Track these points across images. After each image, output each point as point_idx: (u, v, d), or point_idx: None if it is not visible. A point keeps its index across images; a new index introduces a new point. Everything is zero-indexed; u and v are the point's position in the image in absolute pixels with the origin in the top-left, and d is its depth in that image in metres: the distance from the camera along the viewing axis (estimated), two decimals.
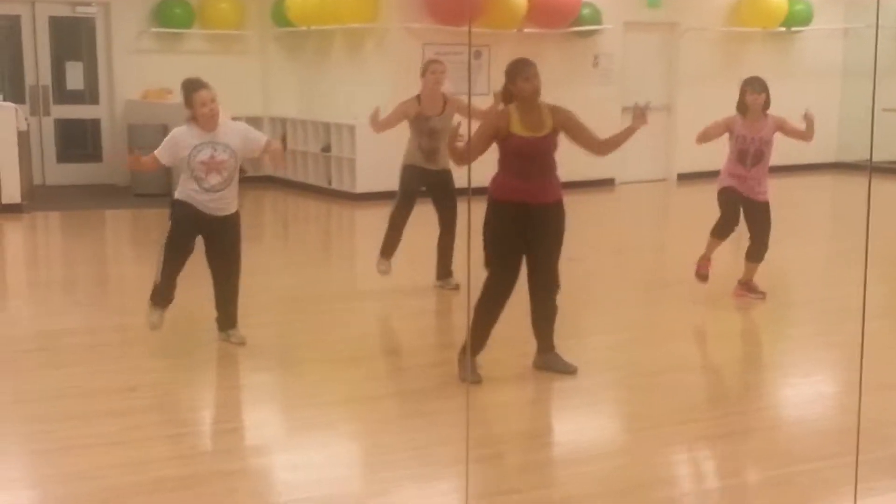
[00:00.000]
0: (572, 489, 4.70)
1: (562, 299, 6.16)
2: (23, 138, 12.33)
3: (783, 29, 15.82)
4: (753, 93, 7.70)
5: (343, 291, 8.60)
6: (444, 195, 8.18)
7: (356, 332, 7.29)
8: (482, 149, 5.79)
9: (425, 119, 8.03)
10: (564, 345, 6.42)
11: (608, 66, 14.76)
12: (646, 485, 4.71)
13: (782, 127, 7.86)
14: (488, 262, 5.86)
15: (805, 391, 6.13)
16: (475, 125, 6.07)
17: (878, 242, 8.89)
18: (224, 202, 6.51)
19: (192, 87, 6.40)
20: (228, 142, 6.44)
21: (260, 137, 6.69)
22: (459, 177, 8.22)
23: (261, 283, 6.96)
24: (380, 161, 13.05)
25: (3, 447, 5.15)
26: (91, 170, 14.70)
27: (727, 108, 8.01)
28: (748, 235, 7.97)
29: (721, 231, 7.93)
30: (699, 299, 7.97)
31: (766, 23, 15.59)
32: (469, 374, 5.86)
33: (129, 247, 11.46)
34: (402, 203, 8.21)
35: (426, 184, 8.18)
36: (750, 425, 5.50)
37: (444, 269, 8.27)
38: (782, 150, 8.37)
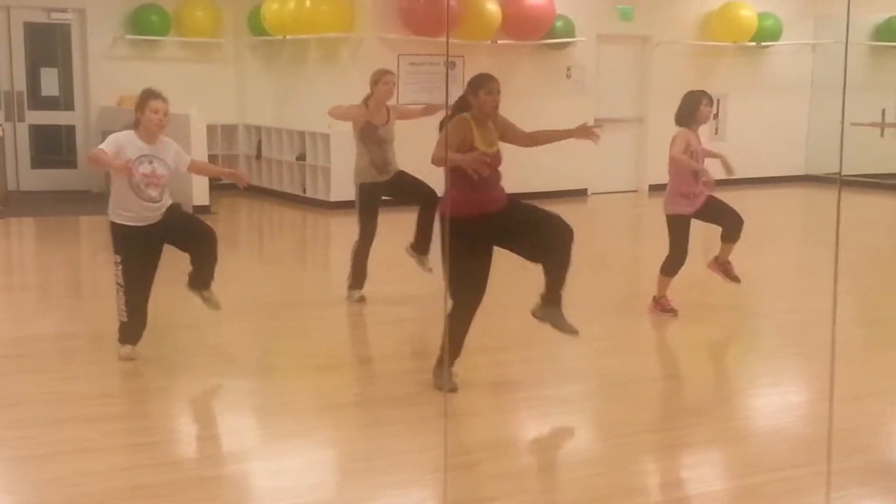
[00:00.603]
0: (548, 497, 4.77)
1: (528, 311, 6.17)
2: None
3: (753, 43, 15.99)
4: (707, 104, 7.63)
5: (318, 298, 8.64)
6: (408, 185, 8.16)
7: (332, 339, 7.34)
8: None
9: (374, 128, 8.04)
10: (537, 353, 6.48)
11: (581, 78, 14.88)
12: (621, 493, 4.77)
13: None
14: (452, 278, 5.68)
15: (776, 401, 6.21)
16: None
17: (846, 254, 9.02)
18: (161, 207, 6.46)
19: (149, 94, 6.39)
20: (165, 157, 6.42)
21: (187, 159, 6.65)
22: None
23: (236, 290, 6.99)
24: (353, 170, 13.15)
25: None
26: (66, 176, 14.66)
27: None
28: (719, 227, 7.89)
29: (671, 268, 7.76)
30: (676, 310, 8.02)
31: (737, 37, 15.76)
32: (445, 382, 5.91)
33: (103, 253, 11.31)
34: (364, 230, 8.16)
35: (386, 193, 8.18)
36: (722, 434, 5.56)
37: (421, 245, 8.18)
38: (753, 163, 8.47)
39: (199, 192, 12.31)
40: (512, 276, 6.15)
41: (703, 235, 8.24)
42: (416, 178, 8.18)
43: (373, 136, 8.05)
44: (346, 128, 13.08)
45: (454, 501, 4.54)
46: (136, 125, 6.38)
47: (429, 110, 8.30)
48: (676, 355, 7.48)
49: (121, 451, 5.12)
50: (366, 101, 8.12)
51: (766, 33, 15.98)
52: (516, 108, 14.01)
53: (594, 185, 15.06)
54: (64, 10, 14.45)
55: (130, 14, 14.55)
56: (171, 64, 14.79)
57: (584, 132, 6.11)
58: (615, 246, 11.80)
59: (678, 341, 7.69)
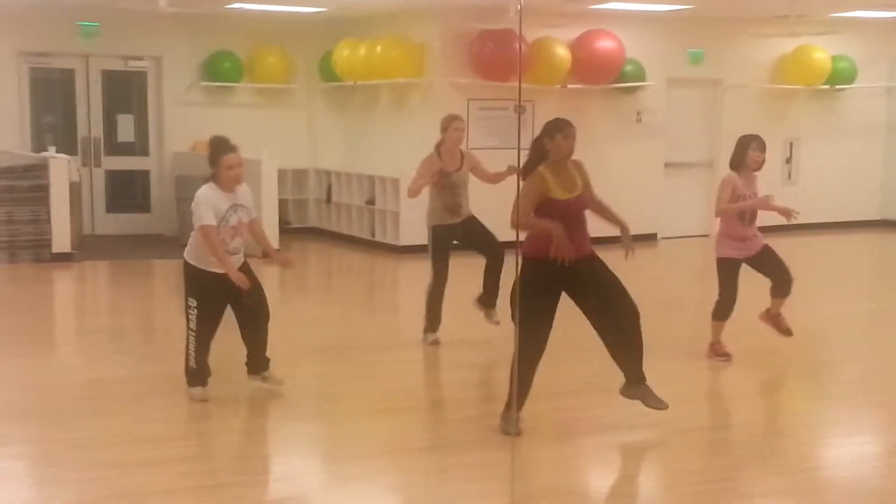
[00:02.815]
0: None
1: (598, 354, 6.18)
2: (74, 189, 12.57)
3: (827, 87, 15.82)
4: (757, 150, 7.61)
5: (386, 343, 8.67)
6: (479, 235, 8.25)
7: (398, 383, 7.34)
8: (530, 213, 5.84)
9: (447, 175, 8.11)
10: (603, 400, 6.43)
11: (651, 122, 14.84)
12: None
13: (756, 182, 7.76)
14: (521, 320, 5.66)
15: (848, 451, 6.09)
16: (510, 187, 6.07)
17: None
18: (240, 257, 6.54)
19: (220, 149, 6.42)
20: (246, 203, 6.52)
21: (253, 211, 6.68)
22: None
23: (304, 334, 7.05)
24: (423, 215, 13.17)
25: (56, 494, 5.22)
26: (139, 220, 14.96)
27: (770, 163, 8.00)
28: (769, 280, 7.82)
29: (722, 312, 7.74)
30: (740, 356, 7.93)
31: (810, 80, 15.60)
32: (512, 426, 5.89)
33: (175, 296, 11.50)
34: (437, 273, 8.23)
35: (456, 238, 8.24)
36: (795, 485, 5.46)
37: (489, 299, 8.29)
38: (827, 208, 8.35)
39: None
40: (572, 317, 6.12)
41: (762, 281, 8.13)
42: (486, 231, 8.25)
43: (446, 182, 8.11)
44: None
45: None
46: (213, 177, 6.44)
47: (503, 175, 8.21)
48: (741, 403, 7.32)
49: (191, 494, 5.16)
50: (438, 147, 8.20)
51: (841, 76, 15.79)
52: (587, 152, 13.96)
53: (664, 230, 14.96)
54: (141, 59, 14.79)
55: (204, 61, 14.86)
56: (243, 109, 15.06)
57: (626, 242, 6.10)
58: (682, 290, 11.68)
59: (744, 388, 7.55)
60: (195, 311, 6.51)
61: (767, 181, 7.89)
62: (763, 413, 7.04)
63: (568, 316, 6.04)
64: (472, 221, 8.28)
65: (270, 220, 12.49)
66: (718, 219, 7.76)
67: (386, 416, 6.56)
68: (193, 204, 6.41)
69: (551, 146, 5.93)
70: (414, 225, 13.21)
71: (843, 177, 15.97)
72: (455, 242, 8.29)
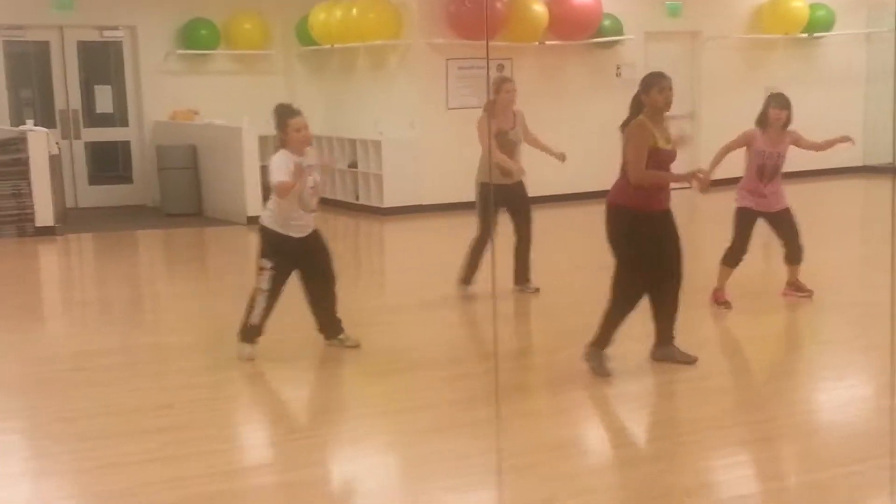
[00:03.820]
0: (608, 497, 4.74)
1: (596, 307, 6.24)
2: (54, 162, 12.51)
3: (805, 35, 15.81)
4: (776, 108, 7.72)
5: (374, 305, 8.66)
6: (519, 206, 8.42)
7: (388, 344, 7.34)
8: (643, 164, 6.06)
9: (503, 133, 8.24)
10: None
11: (631, 76, 14.76)
12: (682, 491, 4.73)
13: (797, 141, 7.89)
14: (621, 260, 6.13)
15: (839, 395, 6.13)
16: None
17: None
18: (312, 222, 6.76)
19: (286, 113, 6.57)
20: (314, 164, 6.66)
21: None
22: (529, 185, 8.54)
23: (293, 300, 7.04)
24: (407, 176, 13.21)
25: (46, 465, 5.22)
26: (122, 191, 14.90)
27: (750, 114, 8.04)
28: (780, 243, 8.00)
29: (732, 258, 7.91)
30: (736, 303, 7.97)
31: (788, 29, 15.59)
32: (599, 366, 6.14)
33: (161, 266, 11.58)
34: (482, 229, 8.33)
35: (502, 197, 8.32)
36: (784, 430, 5.51)
37: (523, 275, 8.50)
38: (809, 156, 8.37)
39: (253, 202, 12.37)
40: (567, 276, 6.14)
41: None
42: (527, 203, 8.45)
43: (501, 141, 8.23)
44: (398, 134, 13.31)
45: (513, 503, 4.53)
46: (283, 144, 6.58)
47: (542, 144, 8.48)
48: (737, 350, 7.41)
49: (184, 461, 5.16)
50: (487, 108, 8.48)
51: (819, 24, 15.79)
52: (566, 109, 14.01)
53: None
54: (115, 28, 14.67)
55: (180, 29, 14.73)
56: (221, 77, 14.97)
57: (698, 181, 6.23)
58: None
59: (739, 336, 7.63)
60: (270, 271, 6.66)
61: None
62: (756, 359, 7.07)
63: (554, 273, 6.04)
64: (519, 188, 8.41)
65: (252, 187, 12.45)
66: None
67: (378, 377, 6.57)
68: (270, 169, 6.59)
69: (647, 100, 6.05)
70: (397, 186, 13.27)
71: (824, 124, 15.78)
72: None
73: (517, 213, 8.44)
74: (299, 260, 6.75)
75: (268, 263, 6.68)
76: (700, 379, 6.32)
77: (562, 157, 8.36)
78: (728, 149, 7.81)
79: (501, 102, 8.35)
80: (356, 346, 6.97)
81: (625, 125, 6.12)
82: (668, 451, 5.30)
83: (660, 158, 6.07)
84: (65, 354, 7.32)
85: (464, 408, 5.86)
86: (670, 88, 6.08)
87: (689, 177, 6.17)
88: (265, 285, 6.69)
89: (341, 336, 6.99)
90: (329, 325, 6.99)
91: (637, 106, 6.12)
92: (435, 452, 5.22)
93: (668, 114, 6.23)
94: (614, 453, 5.38)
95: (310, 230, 6.76)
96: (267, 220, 6.71)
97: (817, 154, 8.41)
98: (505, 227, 8.48)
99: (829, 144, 8.03)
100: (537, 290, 8.46)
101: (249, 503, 4.75)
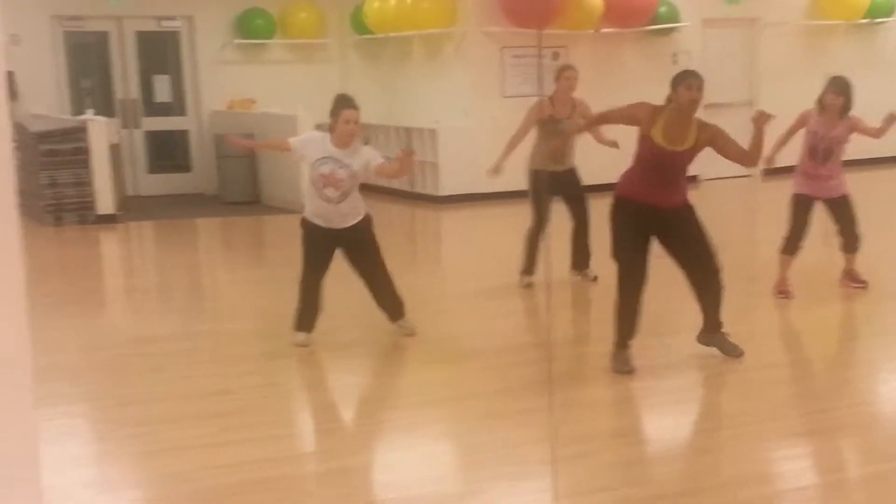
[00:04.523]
0: (663, 487, 4.72)
1: (649, 297, 6.19)
2: (115, 151, 12.67)
3: (866, 21, 15.56)
4: (833, 93, 7.60)
5: (431, 294, 8.67)
6: (573, 192, 8.39)
7: (446, 333, 7.37)
8: (614, 122, 6.31)
9: (555, 122, 8.21)
10: (654, 342, 6.44)
11: (688, 64, 14.62)
12: (737, 482, 4.71)
13: (857, 127, 7.75)
14: (615, 254, 6.12)
15: None
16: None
17: None
18: (344, 213, 6.72)
19: (341, 103, 6.64)
20: (351, 163, 6.64)
21: (376, 163, 6.78)
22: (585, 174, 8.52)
23: (348, 288, 7.09)
24: (462, 164, 13.20)
25: (107, 449, 5.34)
26: (181, 180, 15.05)
27: (809, 102, 7.94)
28: (837, 230, 7.92)
29: (790, 247, 7.82)
30: (796, 292, 7.89)
31: (848, 15, 15.36)
32: (621, 365, 6.09)
33: (219, 254, 11.71)
34: (537, 217, 8.32)
35: (555, 185, 8.30)
36: (843, 422, 5.46)
37: (581, 262, 8.49)
38: (867, 143, 8.24)
39: None
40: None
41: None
42: (581, 190, 8.38)
43: (553, 128, 8.21)
44: (454, 123, 13.33)
45: (566, 492, 4.54)
46: (330, 129, 6.67)
47: (603, 138, 8.28)
48: (794, 341, 7.35)
49: (241, 447, 5.22)
50: (551, 96, 8.37)
51: (880, 9, 15.54)
52: (622, 97, 13.84)
53: (705, 171, 14.80)
54: (173, 18, 14.81)
55: (237, 19, 14.85)
56: (277, 66, 15.07)
57: (760, 119, 6.16)
58: (729, 231, 11.59)
59: (796, 326, 7.57)
60: (303, 259, 6.81)
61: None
62: (814, 350, 7.02)
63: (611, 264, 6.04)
64: (571, 175, 8.40)
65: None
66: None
67: (435, 365, 6.59)
68: None
69: (675, 97, 6.03)
70: (453, 175, 13.27)
71: (884, 111, 15.68)
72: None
73: (572, 199, 8.41)
74: (334, 249, 6.79)
75: (302, 250, 6.81)
76: (756, 370, 6.27)
77: (613, 144, 8.20)
78: (790, 132, 7.76)
79: (561, 89, 8.32)
80: (411, 334, 7.00)
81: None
82: (724, 441, 5.28)
83: (651, 151, 5.98)
84: (126, 340, 7.43)
85: (517, 396, 5.86)
86: (699, 88, 5.99)
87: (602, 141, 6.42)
88: (301, 272, 6.80)
89: (400, 321, 7.01)
90: (388, 307, 7.01)
91: (669, 101, 6.08)
92: (488, 441, 5.24)
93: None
94: (668, 443, 5.35)
95: (347, 223, 6.73)
96: (305, 208, 6.89)
97: (876, 142, 8.29)
98: (561, 214, 8.46)
99: (885, 127, 7.86)
100: (595, 278, 8.40)
101: (306, 489, 4.81)
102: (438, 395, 6.05)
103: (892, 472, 4.77)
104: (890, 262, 9.17)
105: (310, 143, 6.77)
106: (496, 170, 8.27)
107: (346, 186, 6.64)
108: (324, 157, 6.60)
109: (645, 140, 6.02)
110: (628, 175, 6.12)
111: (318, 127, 6.76)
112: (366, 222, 6.84)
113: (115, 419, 5.72)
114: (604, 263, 8.51)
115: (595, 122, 7.07)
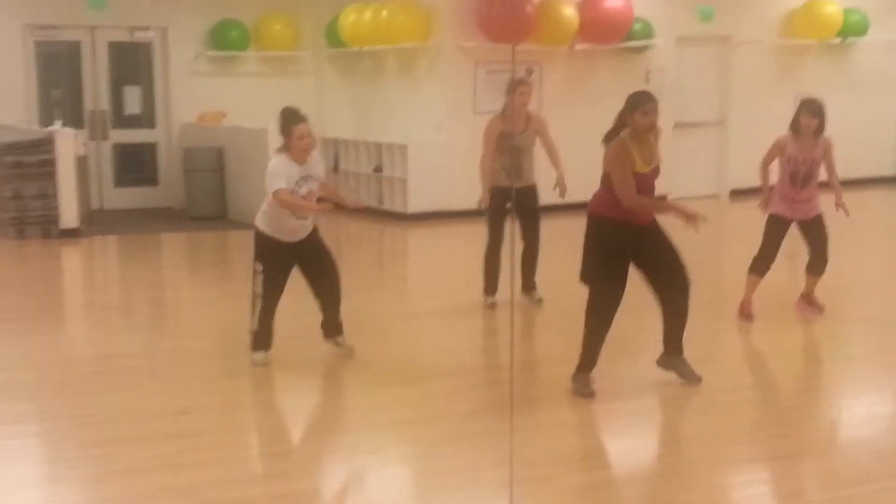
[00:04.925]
0: None
1: (616, 317, 6.15)
2: (81, 163, 12.52)
3: (839, 40, 15.64)
4: (808, 116, 7.59)
5: (396, 312, 8.62)
6: (528, 210, 8.26)
7: (408, 353, 7.32)
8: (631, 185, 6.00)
9: (508, 137, 8.12)
10: (617, 364, 6.40)
11: (661, 81, 14.67)
12: None
13: (827, 151, 7.74)
14: (589, 278, 6.07)
15: (861, 411, 6.05)
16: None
17: None
18: (308, 225, 6.70)
19: (291, 119, 6.51)
20: (317, 173, 6.62)
21: (322, 174, 6.78)
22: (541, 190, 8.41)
23: (313, 305, 7.02)
24: (431, 181, 13.14)
25: (59, 470, 5.24)
26: (148, 193, 14.91)
27: (782, 121, 7.95)
28: (807, 250, 7.90)
29: (759, 266, 7.82)
30: (760, 315, 7.88)
31: (821, 34, 15.42)
32: (583, 388, 6.03)
33: (184, 270, 11.59)
34: (493, 233, 8.28)
35: (512, 202, 8.23)
36: (804, 447, 5.44)
37: (528, 283, 8.38)
38: (841, 164, 8.21)
39: None
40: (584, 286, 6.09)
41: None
42: (536, 210, 8.25)
43: (507, 144, 8.14)
44: (425, 138, 13.28)
45: None
46: (284, 148, 6.54)
47: (559, 162, 8.27)
48: (757, 364, 7.34)
49: (200, 468, 5.16)
50: (503, 110, 8.26)
51: (852, 29, 15.61)
52: (595, 114, 13.87)
53: (674, 191, 14.83)
54: (146, 29, 14.70)
55: (210, 30, 14.75)
56: (250, 78, 14.99)
57: (689, 218, 6.08)
58: (696, 252, 11.58)
59: (759, 349, 7.57)
60: (262, 275, 6.65)
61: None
62: (777, 375, 7.00)
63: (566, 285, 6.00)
64: (530, 192, 8.27)
65: None
66: (733, 179, 7.80)
67: (395, 387, 6.52)
68: (267, 173, 6.54)
69: (631, 122, 5.98)
70: (422, 192, 13.21)
71: (856, 132, 15.77)
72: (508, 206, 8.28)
73: (525, 219, 8.26)
74: (295, 262, 6.71)
75: (259, 267, 6.66)
76: (718, 393, 6.24)
77: (562, 190, 8.13)
78: (767, 162, 7.75)
79: (514, 104, 8.16)
80: (349, 353, 6.90)
81: (607, 139, 6.03)
82: (685, 466, 5.25)
83: (637, 181, 5.96)
84: (85, 357, 7.34)
85: (478, 419, 5.81)
86: (655, 112, 5.95)
87: (686, 215, 6.02)
88: (258, 289, 6.67)
89: (338, 339, 6.92)
90: (326, 324, 6.92)
91: (621, 122, 6.01)
92: (448, 464, 5.19)
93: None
94: (630, 467, 5.32)
95: (305, 233, 6.69)
96: (260, 222, 6.68)
97: (848, 163, 8.31)
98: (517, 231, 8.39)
99: (839, 197, 7.85)
100: (541, 300, 8.33)
101: None
102: (398, 416, 5.99)
103: (853, 497, 4.75)
104: (850, 286, 9.18)
105: (285, 171, 6.49)
106: (484, 202, 8.19)
107: (317, 196, 6.61)
108: (298, 180, 6.52)
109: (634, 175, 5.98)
110: (606, 197, 6.07)
111: (278, 151, 6.63)
112: (316, 229, 6.80)
113: (70, 439, 5.63)
114: (556, 285, 8.51)
115: (642, 201, 6.07)
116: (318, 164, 6.69)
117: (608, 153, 6.01)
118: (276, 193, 6.41)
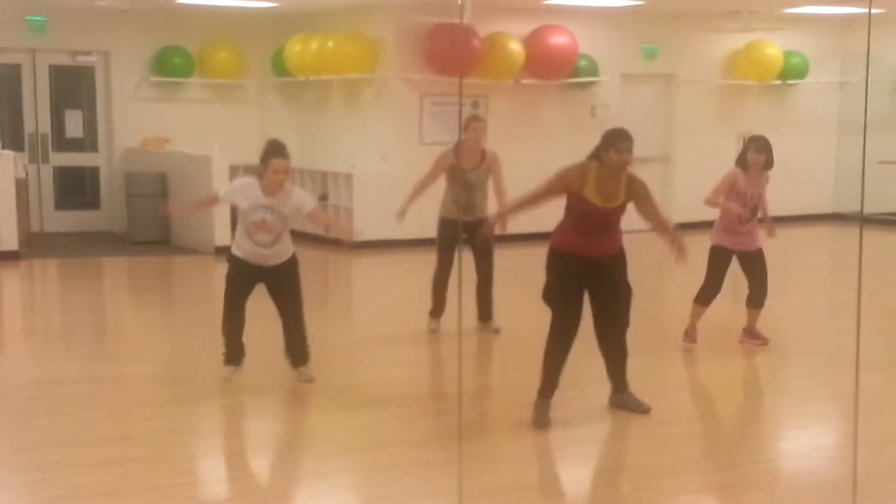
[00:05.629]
0: None
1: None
2: (21, 186, 12.36)
3: (779, 82, 15.93)
4: (755, 152, 7.76)
5: (340, 340, 8.57)
6: (481, 243, 8.21)
7: (355, 380, 7.29)
8: (545, 201, 6.15)
9: (461, 172, 8.18)
10: (566, 395, 6.42)
11: (606, 117, 14.81)
12: None
13: (764, 188, 7.91)
14: (548, 302, 6.12)
15: (803, 443, 6.10)
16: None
17: (875, 294, 8.92)
18: (275, 254, 6.74)
19: (272, 152, 6.58)
20: (282, 208, 6.62)
21: (308, 206, 6.82)
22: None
23: (259, 333, 6.96)
24: (377, 210, 13.09)
25: (3, 497, 5.11)
26: (89, 217, 14.74)
27: (723, 158, 8.10)
28: (746, 284, 8.00)
29: (705, 297, 7.94)
30: (698, 350, 7.97)
31: (762, 76, 15.70)
32: (539, 417, 6.05)
33: (126, 294, 11.45)
34: (441, 261, 8.34)
35: (464, 234, 8.28)
36: (748, 478, 5.47)
37: (484, 313, 8.42)
38: (780, 202, 8.38)
39: (221, 232, 12.27)
40: (536, 316, 6.11)
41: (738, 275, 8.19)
42: (489, 246, 8.17)
43: (459, 179, 8.20)
44: (370, 167, 13.28)
45: None
46: (259, 175, 6.62)
47: (504, 199, 8.08)
48: (700, 396, 7.39)
49: (140, 495, 5.07)
50: (457, 145, 8.34)
51: (793, 71, 15.91)
52: (540, 148, 14.02)
53: (621, 224, 14.98)
54: (88, 53, 14.57)
55: (154, 56, 14.64)
56: (194, 105, 14.91)
57: (678, 249, 6.35)
58: (642, 285, 11.67)
59: (704, 382, 7.63)
60: (224, 292, 6.85)
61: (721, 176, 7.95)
62: (722, 406, 7.05)
63: (525, 314, 6.00)
64: (480, 226, 8.14)
65: (221, 217, 12.31)
66: (677, 213, 7.88)
67: (343, 414, 6.48)
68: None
69: (605, 158, 6.02)
70: (368, 220, 13.15)
71: (796, 171, 16.01)
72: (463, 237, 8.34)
73: (478, 251, 8.29)
74: (256, 285, 6.80)
75: (225, 283, 6.84)
76: (665, 424, 6.27)
77: (489, 233, 8.10)
78: (718, 194, 7.81)
79: (468, 140, 8.25)
80: (310, 381, 6.92)
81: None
82: (632, 495, 5.26)
83: (583, 209, 6.01)
84: (23, 382, 7.20)
85: (426, 447, 5.79)
86: (629, 151, 6.02)
87: (679, 248, 6.38)
88: (223, 304, 6.84)
89: (302, 368, 6.95)
90: (294, 351, 6.97)
91: (596, 156, 6.08)
92: (395, 492, 5.15)
93: (641, 155, 6.23)
94: (577, 497, 5.32)
95: (274, 262, 6.75)
96: (233, 245, 6.86)
97: (788, 200, 8.45)
98: (469, 263, 8.41)
99: (769, 222, 8.03)
100: (498, 330, 8.38)
101: None
102: (346, 443, 5.93)
103: None
104: (792, 320, 9.30)
105: (240, 191, 6.73)
106: (401, 213, 8.31)
107: (278, 230, 6.65)
108: (255, 206, 6.58)
109: (577, 198, 6.02)
110: (562, 228, 6.14)
111: (247, 170, 6.69)
112: (292, 262, 6.86)
113: (9, 465, 5.52)
114: (519, 313, 8.55)
115: (522, 207, 6.36)
116: (290, 200, 6.67)
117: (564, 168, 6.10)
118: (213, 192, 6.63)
